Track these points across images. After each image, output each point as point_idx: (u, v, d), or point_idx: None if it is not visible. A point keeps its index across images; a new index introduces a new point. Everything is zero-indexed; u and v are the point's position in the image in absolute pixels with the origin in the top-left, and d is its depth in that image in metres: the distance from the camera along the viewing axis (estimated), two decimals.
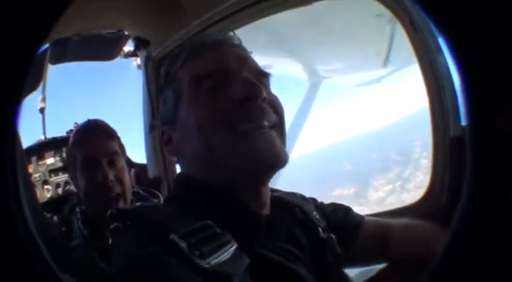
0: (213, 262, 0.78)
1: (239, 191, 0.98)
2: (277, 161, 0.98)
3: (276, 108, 1.03)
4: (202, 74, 1.01)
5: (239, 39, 1.13)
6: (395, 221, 1.36)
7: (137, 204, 1.87)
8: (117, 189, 1.79)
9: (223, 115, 0.96)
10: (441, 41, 1.56)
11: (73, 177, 1.91)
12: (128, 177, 1.88)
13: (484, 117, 0.57)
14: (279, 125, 1.02)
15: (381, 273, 1.31)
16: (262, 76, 1.06)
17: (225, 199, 0.98)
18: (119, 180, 1.81)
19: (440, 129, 1.69)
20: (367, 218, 1.32)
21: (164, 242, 0.79)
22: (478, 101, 0.58)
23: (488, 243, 0.58)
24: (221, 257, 0.80)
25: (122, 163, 1.87)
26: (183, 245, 0.78)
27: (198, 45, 1.08)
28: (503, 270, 0.59)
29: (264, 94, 0.98)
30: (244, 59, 1.06)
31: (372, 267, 1.35)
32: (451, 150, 1.64)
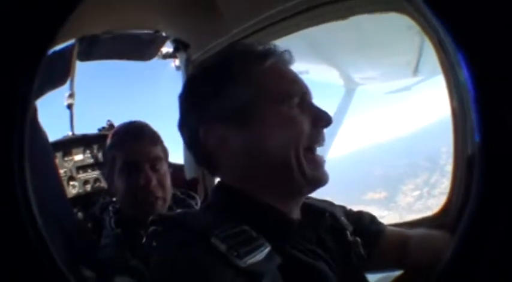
0: (248, 262, 0.84)
1: (280, 201, 1.04)
2: (327, 181, 1.09)
3: None
4: (291, 93, 1.06)
5: None
6: (414, 231, 1.40)
7: (178, 211, 1.84)
8: (159, 193, 1.77)
9: (309, 134, 1.05)
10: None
11: (109, 178, 1.88)
12: (170, 180, 1.86)
13: (494, 119, 0.60)
14: None
15: (396, 280, 1.34)
16: None
17: (265, 208, 1.03)
18: (161, 184, 1.78)
19: (460, 146, 1.71)
20: (388, 227, 1.37)
21: (206, 245, 0.86)
22: (487, 103, 0.60)
23: (494, 247, 0.60)
24: (256, 257, 0.86)
25: (165, 168, 1.84)
26: (223, 247, 0.85)
27: (281, 55, 1.12)
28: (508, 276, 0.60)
29: (332, 120, 1.12)
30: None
31: (386, 274, 1.42)
32: (468, 168, 1.60)
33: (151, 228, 1.00)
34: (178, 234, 0.93)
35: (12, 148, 0.60)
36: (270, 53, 1.09)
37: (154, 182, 1.74)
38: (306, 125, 1.04)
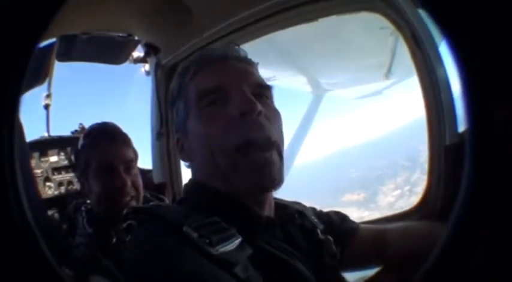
0: (220, 250, 0.87)
1: (242, 197, 1.05)
2: (271, 185, 1.04)
3: (273, 122, 1.08)
4: (205, 89, 1.08)
5: (244, 52, 1.19)
6: (391, 225, 1.45)
7: (151, 203, 1.88)
8: (133, 193, 1.82)
9: (223, 132, 1.03)
10: (442, 47, 1.63)
11: (82, 178, 1.91)
12: (141, 181, 1.91)
13: (483, 114, 0.59)
14: (277, 140, 1.06)
15: (376, 275, 1.35)
16: (262, 89, 1.12)
17: (230, 203, 1.05)
18: (134, 185, 1.84)
19: (436, 137, 1.75)
20: (363, 225, 1.38)
21: (178, 234, 0.89)
22: (478, 98, 0.59)
23: (483, 243, 0.60)
24: (227, 247, 0.89)
25: (136, 169, 1.89)
26: (194, 235, 0.88)
27: (205, 59, 1.14)
28: (496, 272, 0.61)
29: (259, 108, 1.03)
30: (245, 73, 1.12)
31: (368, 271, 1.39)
32: (446, 157, 1.69)
33: (126, 223, 1.02)
34: (151, 225, 0.97)
35: (2, 146, 0.61)
36: (193, 61, 1.16)
37: (129, 183, 1.80)
38: (222, 122, 1.03)
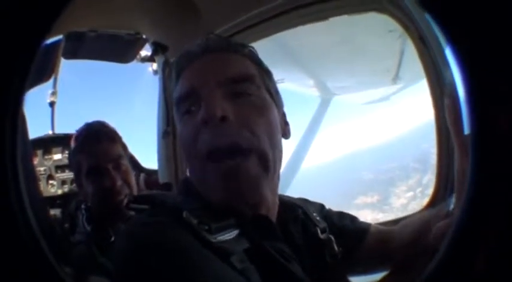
0: (218, 238, 0.88)
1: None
2: (241, 201, 0.99)
3: (251, 124, 0.99)
4: (180, 96, 1.05)
5: (226, 41, 1.15)
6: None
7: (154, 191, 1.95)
8: (125, 191, 1.84)
9: (193, 141, 1.00)
10: (447, 50, 1.63)
11: (78, 182, 1.97)
12: (133, 176, 1.94)
13: (487, 118, 0.58)
14: (254, 146, 0.98)
15: (383, 278, 1.30)
16: (239, 84, 1.02)
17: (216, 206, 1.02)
18: (126, 181, 1.87)
19: (445, 139, 1.76)
20: (375, 225, 1.34)
21: (178, 220, 0.89)
22: (481, 102, 0.59)
23: (486, 247, 0.59)
24: (226, 236, 0.90)
25: (126, 164, 1.93)
26: (194, 221, 0.88)
27: (184, 59, 1.09)
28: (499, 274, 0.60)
29: (219, 114, 0.95)
30: (220, 69, 1.03)
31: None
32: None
33: (127, 218, 1.01)
34: (150, 211, 1.00)
35: (4, 143, 0.60)
36: (176, 62, 1.12)
37: (119, 182, 1.83)
38: (191, 131, 1.00)
